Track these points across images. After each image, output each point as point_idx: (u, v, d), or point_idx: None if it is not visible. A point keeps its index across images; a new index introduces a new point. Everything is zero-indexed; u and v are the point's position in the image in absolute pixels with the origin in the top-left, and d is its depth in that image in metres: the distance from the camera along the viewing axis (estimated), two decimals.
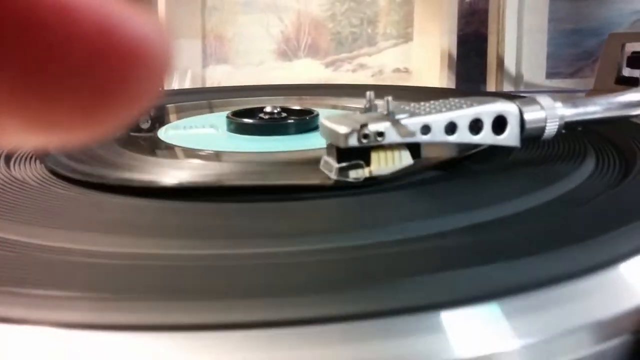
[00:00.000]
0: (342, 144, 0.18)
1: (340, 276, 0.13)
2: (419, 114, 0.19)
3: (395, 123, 0.18)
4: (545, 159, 0.22)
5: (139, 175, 0.21)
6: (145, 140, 0.28)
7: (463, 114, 0.19)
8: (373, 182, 0.19)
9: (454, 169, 0.22)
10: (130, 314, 0.11)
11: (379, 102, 0.20)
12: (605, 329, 0.12)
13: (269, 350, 0.11)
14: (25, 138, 0.06)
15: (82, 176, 0.20)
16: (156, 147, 0.26)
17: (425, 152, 0.20)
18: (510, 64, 0.61)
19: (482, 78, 0.62)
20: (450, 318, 0.11)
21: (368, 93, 0.20)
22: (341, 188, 0.19)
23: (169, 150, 0.26)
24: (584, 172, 0.20)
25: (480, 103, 0.20)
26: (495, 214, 0.16)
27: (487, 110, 0.19)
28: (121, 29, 0.06)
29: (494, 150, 0.23)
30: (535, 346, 0.11)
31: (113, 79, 0.06)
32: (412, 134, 0.18)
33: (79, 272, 0.14)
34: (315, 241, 0.15)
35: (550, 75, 0.62)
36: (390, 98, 0.19)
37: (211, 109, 0.38)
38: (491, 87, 0.62)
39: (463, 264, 0.13)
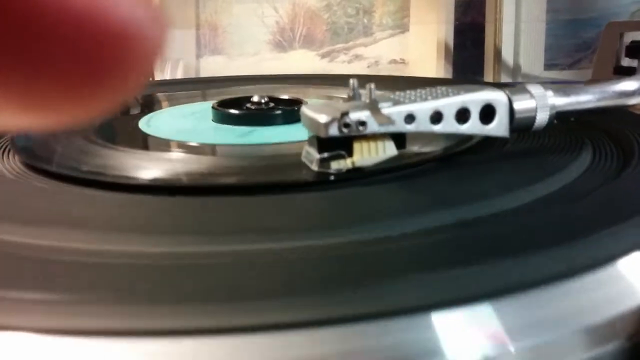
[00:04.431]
0: (322, 134, 0.17)
1: (324, 277, 0.12)
2: (403, 103, 0.18)
3: (375, 111, 0.17)
4: (540, 151, 0.22)
5: (115, 170, 0.20)
6: (125, 130, 0.27)
7: (449, 103, 0.18)
8: (357, 175, 0.18)
9: (446, 161, 0.21)
10: (96, 319, 0.11)
11: (363, 92, 0.19)
12: (603, 330, 0.11)
13: (254, 356, 0.10)
14: (10, 120, 0.06)
15: (56, 168, 0.20)
16: (135, 138, 0.25)
17: (416, 146, 0.19)
18: (507, 54, 0.60)
19: (480, 69, 0.62)
20: (440, 320, 0.11)
21: (351, 81, 0.19)
22: (325, 182, 0.18)
23: (148, 141, 0.25)
24: (580, 166, 0.20)
25: (467, 91, 0.19)
26: (488, 210, 0.16)
27: (475, 99, 0.19)
28: (111, 8, 0.06)
29: (487, 142, 0.22)
30: (530, 349, 0.11)
31: (103, 59, 0.06)
32: (392, 122, 0.17)
33: (45, 271, 0.13)
34: (295, 239, 0.14)
35: (548, 66, 0.61)
36: (372, 86, 0.18)
37: (202, 98, 0.38)
38: (488, 77, 0.61)
39: (453, 263, 0.12)
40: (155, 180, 0.19)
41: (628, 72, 0.38)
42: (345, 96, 0.29)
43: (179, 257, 0.13)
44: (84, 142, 0.24)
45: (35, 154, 0.22)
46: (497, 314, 0.11)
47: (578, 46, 0.61)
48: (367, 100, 0.18)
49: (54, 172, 0.19)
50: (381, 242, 0.14)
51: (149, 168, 0.20)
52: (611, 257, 0.12)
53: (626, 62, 0.40)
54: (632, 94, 0.22)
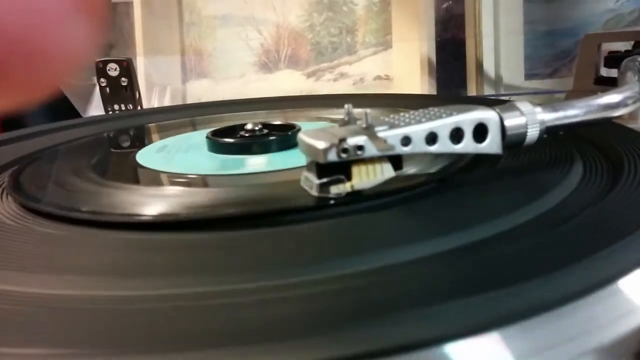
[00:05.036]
0: (321, 160, 0.18)
1: (327, 315, 0.12)
2: (398, 126, 0.19)
3: (373, 137, 0.18)
4: (532, 167, 0.22)
5: (114, 207, 0.20)
6: (123, 164, 0.27)
7: (443, 124, 0.19)
8: (355, 198, 0.19)
9: (442, 181, 0.21)
10: None
11: (358, 111, 0.19)
12: (611, 350, 0.12)
13: None
14: None
15: (55, 209, 0.20)
16: (134, 172, 0.25)
17: (411, 169, 0.20)
18: (489, 67, 0.62)
19: (463, 82, 0.63)
20: (450, 351, 0.11)
21: (346, 106, 0.20)
22: (324, 207, 0.18)
23: (147, 175, 0.25)
24: (572, 181, 0.20)
25: (460, 111, 0.19)
26: (483, 233, 0.16)
27: (467, 119, 0.19)
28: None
29: (480, 159, 0.22)
30: None
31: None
32: (391, 147, 0.18)
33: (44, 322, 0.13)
34: (294, 274, 0.14)
35: (528, 76, 0.63)
36: (368, 110, 0.18)
37: (193, 126, 0.38)
38: (472, 91, 0.62)
39: (454, 293, 0.12)
40: (158, 216, 0.19)
41: (608, 82, 0.39)
42: (336, 117, 0.29)
43: (186, 298, 0.13)
44: (81, 180, 0.24)
45: (34, 196, 0.22)
46: (506, 342, 0.11)
47: (556, 55, 0.63)
48: (364, 125, 0.18)
49: (53, 214, 0.19)
50: (374, 275, 0.14)
51: (151, 204, 0.21)
52: (613, 277, 0.13)
53: (604, 72, 0.41)
54: (616, 106, 0.23)
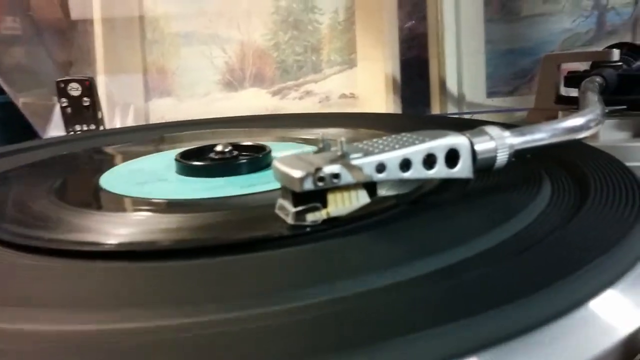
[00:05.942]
0: (297, 189, 0.18)
1: (306, 343, 0.12)
2: (372, 153, 0.19)
3: (349, 165, 0.18)
4: (500, 188, 0.22)
5: (77, 236, 0.20)
6: (86, 189, 0.26)
7: (416, 150, 0.19)
8: (331, 225, 0.18)
9: (414, 204, 0.21)
10: None
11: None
12: None
13: None
14: None
15: (10, 237, 0.19)
16: (98, 198, 0.25)
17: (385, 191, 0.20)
18: (452, 85, 0.63)
19: (426, 100, 0.64)
20: None
21: (321, 133, 0.20)
22: (298, 235, 0.18)
23: (112, 200, 0.24)
24: (540, 203, 0.20)
25: (432, 138, 0.20)
26: (451, 259, 0.16)
27: (440, 145, 0.19)
28: None
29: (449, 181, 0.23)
30: None
31: None
32: (366, 175, 0.18)
33: None
34: (271, 302, 0.14)
35: (490, 94, 0.64)
36: (343, 139, 0.18)
37: (159, 147, 0.37)
38: (435, 109, 0.63)
39: (425, 321, 0.12)
40: (124, 245, 0.19)
41: (569, 101, 0.41)
42: (303, 136, 0.29)
43: (158, 331, 0.13)
44: (44, 205, 0.23)
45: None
46: None
47: (516, 74, 0.65)
48: (339, 153, 0.18)
49: (13, 243, 0.19)
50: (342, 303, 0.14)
51: (119, 231, 0.20)
52: (585, 298, 0.13)
53: (564, 91, 0.42)
54: (580, 129, 0.23)
